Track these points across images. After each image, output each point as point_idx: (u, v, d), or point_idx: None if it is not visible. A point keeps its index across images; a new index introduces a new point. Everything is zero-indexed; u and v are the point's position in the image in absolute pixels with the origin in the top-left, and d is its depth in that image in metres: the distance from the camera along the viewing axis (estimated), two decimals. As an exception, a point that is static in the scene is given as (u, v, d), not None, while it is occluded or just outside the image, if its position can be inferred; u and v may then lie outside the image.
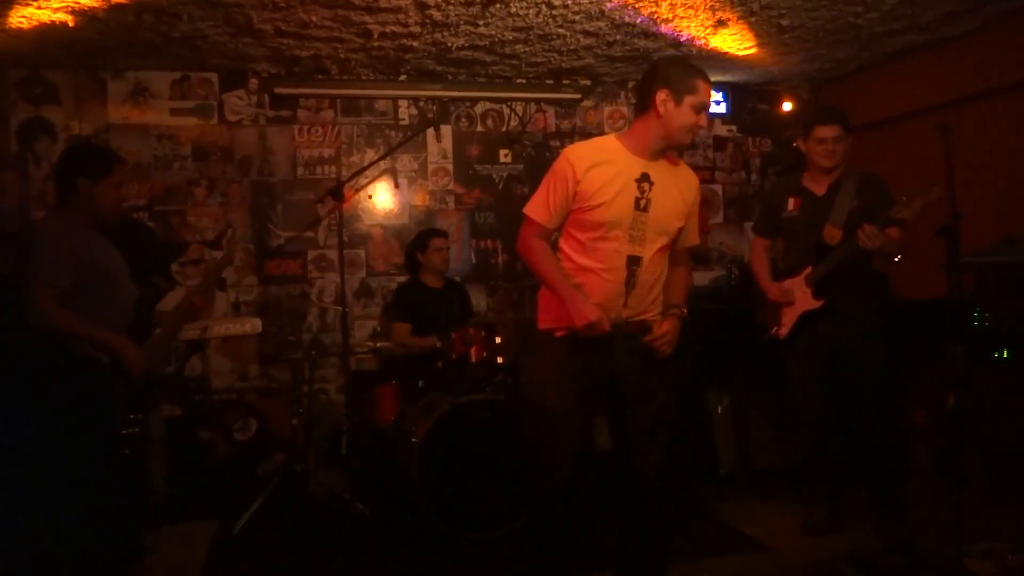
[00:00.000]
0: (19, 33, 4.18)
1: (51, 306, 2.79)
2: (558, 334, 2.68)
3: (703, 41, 4.76)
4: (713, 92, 5.61)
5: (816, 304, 3.57)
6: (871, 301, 3.64)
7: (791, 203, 3.72)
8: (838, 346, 3.59)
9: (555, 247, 2.77)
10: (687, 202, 2.73)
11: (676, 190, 2.69)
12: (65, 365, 2.85)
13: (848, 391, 3.60)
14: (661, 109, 2.60)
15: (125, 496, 2.95)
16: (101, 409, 2.87)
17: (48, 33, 4.20)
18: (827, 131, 3.55)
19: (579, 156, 2.65)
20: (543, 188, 2.71)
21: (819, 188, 3.66)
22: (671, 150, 2.72)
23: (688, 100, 2.59)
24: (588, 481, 2.79)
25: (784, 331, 3.71)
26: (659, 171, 2.67)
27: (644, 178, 2.63)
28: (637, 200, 2.61)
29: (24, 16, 3.96)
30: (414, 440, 3.73)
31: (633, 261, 2.61)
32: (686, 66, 2.69)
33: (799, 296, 3.64)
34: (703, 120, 2.64)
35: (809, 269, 3.60)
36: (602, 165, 2.62)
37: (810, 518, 3.77)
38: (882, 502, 3.59)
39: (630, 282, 2.62)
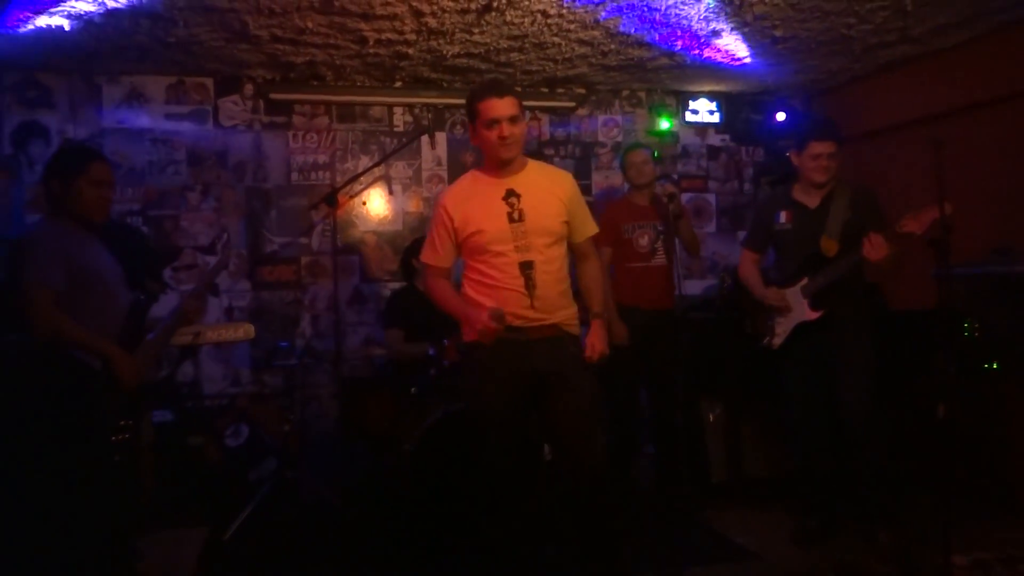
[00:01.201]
0: (14, 36, 4.18)
1: (48, 308, 2.78)
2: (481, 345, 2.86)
3: (697, 51, 4.79)
4: (707, 101, 5.81)
5: (814, 315, 3.60)
6: (864, 312, 3.67)
7: (783, 216, 3.73)
8: (832, 356, 3.61)
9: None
10: (562, 198, 2.94)
11: (546, 192, 2.92)
12: (57, 369, 2.84)
13: (841, 400, 3.61)
14: (475, 141, 2.93)
15: (115, 502, 2.94)
16: (92, 414, 2.85)
17: (43, 37, 4.20)
18: (822, 147, 3.57)
19: (449, 199, 2.95)
20: (429, 235, 3.03)
21: (811, 201, 3.67)
22: (503, 164, 2.89)
23: (479, 125, 2.85)
24: (533, 482, 2.95)
25: (778, 341, 3.73)
26: (524, 182, 2.91)
27: (510, 194, 2.87)
28: (509, 215, 2.85)
29: (20, 19, 3.96)
30: (407, 447, 3.72)
31: (526, 266, 2.85)
32: (471, 95, 2.91)
33: (795, 307, 3.66)
34: (503, 130, 2.81)
35: (805, 280, 3.62)
36: (470, 199, 2.91)
37: (801, 527, 3.77)
38: (873, 511, 3.60)
39: (529, 285, 2.84)
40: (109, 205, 3.10)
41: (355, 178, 4.76)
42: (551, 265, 2.89)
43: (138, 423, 2.99)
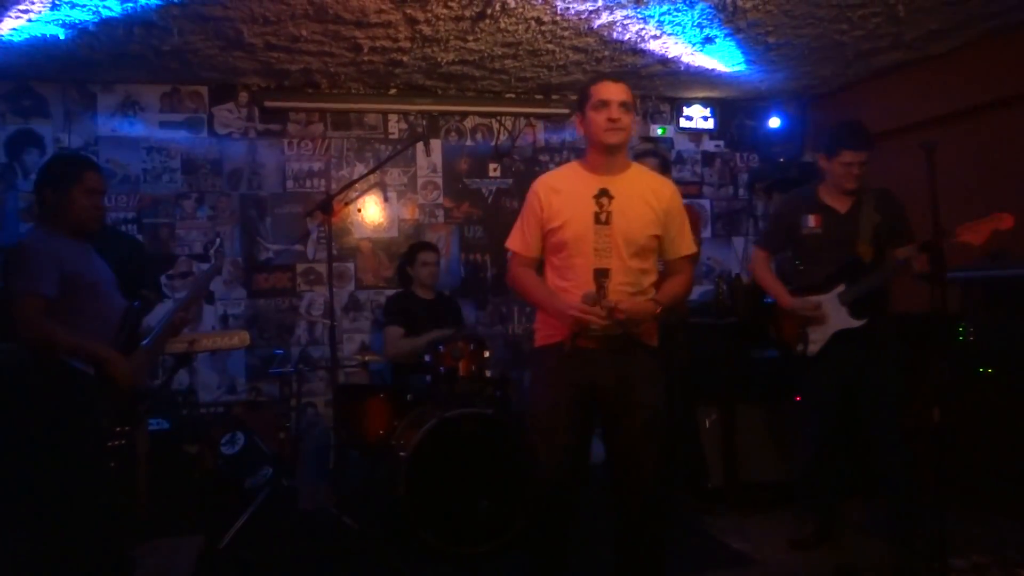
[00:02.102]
0: (8, 46, 4.18)
1: (38, 317, 2.77)
2: (550, 346, 2.76)
3: (691, 58, 4.81)
4: (701, 108, 5.83)
5: (856, 323, 3.48)
6: (893, 319, 3.59)
7: (812, 220, 3.61)
8: (868, 363, 3.51)
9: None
10: (656, 209, 2.76)
11: (641, 199, 2.75)
12: (51, 377, 2.83)
13: (873, 408, 3.50)
14: (581, 130, 2.85)
15: (111, 510, 2.93)
16: (87, 422, 2.84)
17: (37, 45, 4.20)
18: (856, 157, 3.47)
19: (542, 185, 2.84)
20: (519, 221, 2.90)
21: (841, 205, 3.57)
22: (609, 154, 2.76)
23: (588, 108, 2.77)
24: (581, 494, 2.84)
25: (815, 348, 3.59)
26: (621, 184, 2.75)
27: (603, 193, 2.73)
28: (597, 215, 2.71)
29: (14, 29, 3.96)
30: (402, 454, 3.71)
31: (601, 274, 2.68)
32: (584, 85, 2.87)
33: (832, 314, 3.54)
34: (612, 111, 2.71)
35: (842, 287, 3.51)
36: (562, 190, 2.79)
37: (799, 532, 3.76)
38: (913, 515, 3.47)
39: (601, 295, 2.65)
40: (102, 214, 3.10)
41: (350, 185, 4.75)
42: (630, 276, 2.70)
43: (134, 430, 2.97)
